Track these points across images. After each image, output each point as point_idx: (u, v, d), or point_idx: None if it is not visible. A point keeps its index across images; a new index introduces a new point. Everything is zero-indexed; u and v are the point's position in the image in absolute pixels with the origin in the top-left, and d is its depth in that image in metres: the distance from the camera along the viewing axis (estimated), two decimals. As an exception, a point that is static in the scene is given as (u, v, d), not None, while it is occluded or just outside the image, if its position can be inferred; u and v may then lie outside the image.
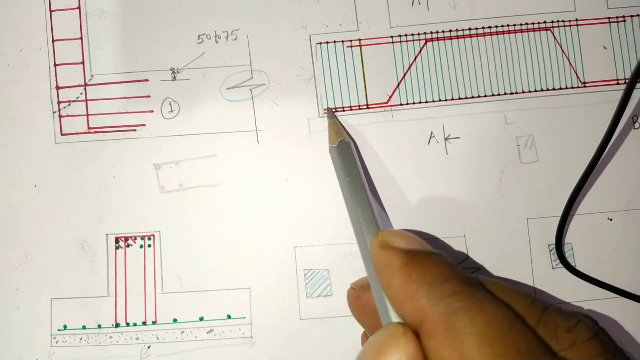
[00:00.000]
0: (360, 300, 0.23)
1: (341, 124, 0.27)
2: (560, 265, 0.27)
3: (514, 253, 0.27)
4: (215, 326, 0.27)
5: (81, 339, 0.27)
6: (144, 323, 0.27)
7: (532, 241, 0.27)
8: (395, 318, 0.19)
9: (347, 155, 0.25)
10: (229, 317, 0.27)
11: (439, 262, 0.19)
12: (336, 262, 0.27)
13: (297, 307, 0.27)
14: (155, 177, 0.27)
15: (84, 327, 0.27)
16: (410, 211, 0.27)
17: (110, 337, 0.27)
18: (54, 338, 0.27)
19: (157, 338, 0.27)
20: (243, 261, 0.27)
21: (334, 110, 0.27)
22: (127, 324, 0.27)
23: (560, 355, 0.17)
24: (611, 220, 0.27)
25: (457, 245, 0.27)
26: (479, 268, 0.27)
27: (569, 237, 0.27)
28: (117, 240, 0.27)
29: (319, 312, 0.27)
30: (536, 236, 0.27)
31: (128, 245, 0.27)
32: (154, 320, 0.27)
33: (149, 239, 0.27)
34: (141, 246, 0.27)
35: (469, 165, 0.27)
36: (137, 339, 0.27)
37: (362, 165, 0.27)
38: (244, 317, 0.27)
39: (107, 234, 0.27)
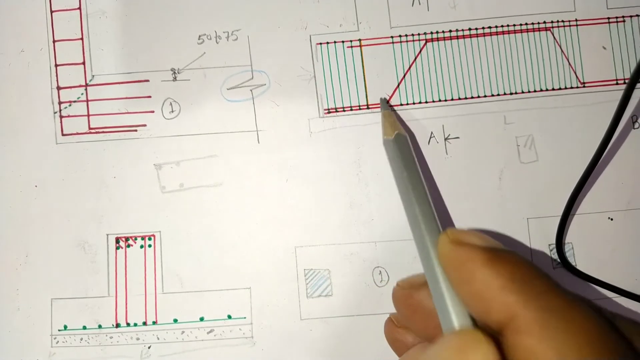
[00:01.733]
0: (412, 299, 0.22)
1: (397, 115, 0.27)
2: (561, 265, 0.27)
3: (514, 253, 0.27)
4: (216, 326, 0.27)
5: (82, 339, 0.27)
6: (145, 323, 0.27)
7: (533, 241, 0.27)
8: (458, 320, 0.19)
9: (404, 149, 0.24)
10: (229, 317, 0.27)
11: (523, 261, 0.19)
12: (337, 262, 0.27)
13: (298, 307, 0.27)
14: (156, 177, 0.27)
15: (84, 328, 0.27)
16: (410, 211, 0.27)
17: (111, 338, 0.27)
18: (55, 338, 0.27)
19: (158, 338, 0.27)
20: (243, 261, 0.27)
21: (388, 103, 0.27)
22: (128, 324, 0.27)
23: None
24: (612, 220, 0.27)
25: (457, 245, 0.27)
26: (480, 268, 0.27)
27: (570, 237, 0.27)
28: (117, 240, 0.27)
29: (320, 312, 0.27)
30: (536, 236, 0.27)
31: (128, 246, 0.27)
32: (155, 320, 0.27)
33: (150, 239, 0.27)
34: (142, 246, 0.27)
35: (469, 165, 0.27)
36: (138, 339, 0.27)
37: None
38: (245, 317, 0.27)
39: (107, 234, 0.27)
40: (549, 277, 0.18)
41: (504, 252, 0.19)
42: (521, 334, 0.17)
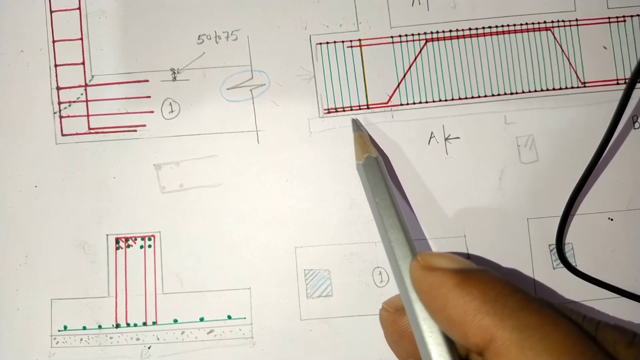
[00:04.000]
0: (397, 324, 0.22)
1: (368, 135, 0.27)
2: (561, 265, 0.27)
3: (514, 253, 0.27)
4: (216, 327, 0.27)
5: (81, 339, 0.27)
6: (145, 323, 0.27)
7: (533, 241, 0.27)
8: (435, 353, 0.19)
9: (375, 172, 0.24)
10: (229, 317, 0.27)
11: (496, 279, 0.18)
12: (336, 262, 0.27)
13: (298, 308, 0.27)
14: (155, 177, 0.27)
15: (84, 328, 0.27)
16: (409, 211, 0.27)
17: (111, 338, 0.27)
18: (54, 339, 0.27)
19: (158, 338, 0.27)
20: (243, 261, 0.27)
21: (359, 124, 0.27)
22: (128, 325, 0.27)
23: None
24: (612, 220, 0.27)
25: (457, 245, 0.27)
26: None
27: (570, 237, 0.27)
28: (117, 240, 0.27)
29: (320, 312, 0.27)
30: (536, 236, 0.27)
31: (128, 246, 0.27)
32: (155, 320, 0.27)
33: (149, 239, 0.27)
34: (141, 247, 0.27)
35: (468, 165, 0.27)
36: (138, 339, 0.27)
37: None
38: (245, 318, 0.27)
39: (107, 235, 0.27)
40: (523, 292, 0.18)
41: (475, 272, 0.18)
42: (500, 356, 0.16)
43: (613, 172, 0.27)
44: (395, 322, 0.22)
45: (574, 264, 0.27)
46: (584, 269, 0.27)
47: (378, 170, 0.24)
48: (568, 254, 0.27)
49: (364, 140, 0.26)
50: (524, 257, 0.27)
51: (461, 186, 0.27)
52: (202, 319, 0.27)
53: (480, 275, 0.18)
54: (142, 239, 0.27)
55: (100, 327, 0.27)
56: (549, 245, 0.27)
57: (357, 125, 0.27)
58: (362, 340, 0.27)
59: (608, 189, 0.27)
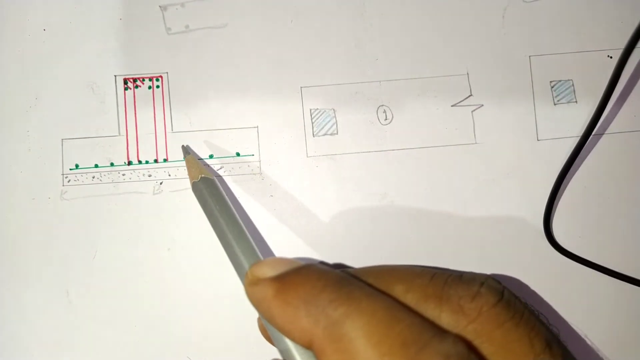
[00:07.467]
0: (266, 332, 0.22)
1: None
2: (563, 101, 0.28)
3: (516, 90, 0.28)
4: (225, 163, 0.27)
5: (94, 177, 0.27)
6: (156, 160, 0.27)
7: (535, 78, 0.28)
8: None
9: (206, 194, 0.24)
10: (238, 154, 0.27)
11: (309, 275, 0.18)
12: (342, 101, 0.28)
13: (304, 145, 0.28)
14: (161, 18, 0.28)
15: (96, 166, 0.27)
16: (410, 50, 0.28)
17: (123, 175, 0.27)
18: (66, 177, 0.27)
19: (169, 175, 0.27)
20: (250, 101, 0.27)
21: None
22: (140, 162, 0.27)
23: (468, 329, 0.17)
24: (611, 57, 0.28)
25: (460, 82, 0.28)
26: (482, 105, 0.28)
27: (570, 74, 0.28)
28: (125, 81, 0.27)
29: (326, 149, 0.27)
30: (538, 73, 0.28)
31: (137, 87, 0.27)
32: (166, 157, 0.27)
33: (157, 80, 0.27)
34: (149, 87, 0.27)
35: (473, 3, 0.28)
36: (150, 175, 0.27)
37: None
38: (253, 155, 0.27)
39: (115, 75, 0.28)
40: (335, 282, 0.18)
41: (289, 274, 0.19)
42: (321, 355, 0.17)
43: (613, 10, 0.28)
44: (263, 328, 0.22)
45: (574, 100, 0.28)
46: (585, 104, 0.28)
47: (209, 191, 0.24)
48: (568, 91, 0.28)
49: (195, 162, 0.26)
50: (526, 94, 0.28)
51: (465, 24, 0.28)
52: (211, 156, 0.27)
53: (294, 277, 0.18)
54: (150, 79, 0.27)
55: (112, 164, 0.27)
56: (550, 81, 0.28)
57: (186, 150, 0.27)
58: (366, 175, 0.27)
59: (608, 27, 0.28)
